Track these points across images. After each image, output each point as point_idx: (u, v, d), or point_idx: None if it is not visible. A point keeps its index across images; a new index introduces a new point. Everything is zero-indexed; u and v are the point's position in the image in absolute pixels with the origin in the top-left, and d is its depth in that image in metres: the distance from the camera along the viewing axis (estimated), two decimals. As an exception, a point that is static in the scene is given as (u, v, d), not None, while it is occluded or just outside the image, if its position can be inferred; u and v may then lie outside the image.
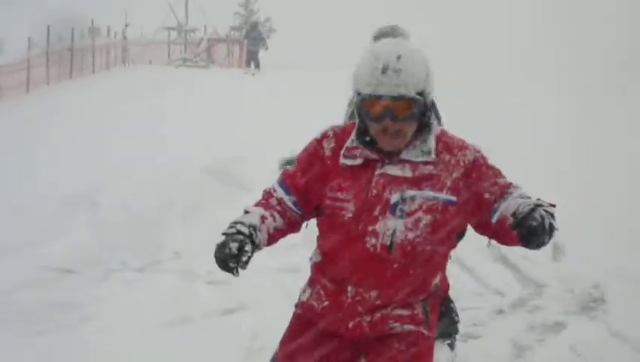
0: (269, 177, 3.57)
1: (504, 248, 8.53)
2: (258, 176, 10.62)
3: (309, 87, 24.48)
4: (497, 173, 3.26)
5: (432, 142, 3.21)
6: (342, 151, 3.27)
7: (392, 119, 3.07)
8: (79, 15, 32.71)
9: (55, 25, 30.30)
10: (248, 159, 12.43)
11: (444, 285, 3.56)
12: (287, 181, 3.41)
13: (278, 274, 7.55)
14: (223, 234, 3.12)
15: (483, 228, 3.25)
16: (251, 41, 32.51)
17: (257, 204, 3.39)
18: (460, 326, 5.95)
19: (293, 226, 3.44)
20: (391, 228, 3.16)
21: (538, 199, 2.98)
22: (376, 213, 3.17)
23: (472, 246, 8.63)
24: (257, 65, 31.72)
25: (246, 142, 14.05)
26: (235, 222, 3.16)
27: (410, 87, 3.03)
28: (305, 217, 3.45)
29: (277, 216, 3.35)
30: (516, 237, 2.86)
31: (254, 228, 3.17)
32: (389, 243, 3.16)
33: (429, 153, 3.20)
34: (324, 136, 3.39)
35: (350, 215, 3.21)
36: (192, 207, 10.20)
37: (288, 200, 3.39)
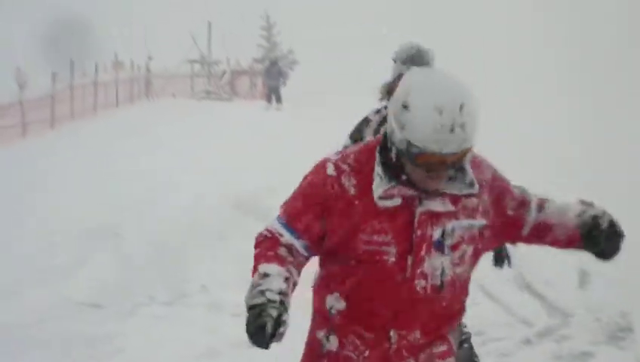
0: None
1: (529, 277, 8.53)
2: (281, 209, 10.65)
3: (333, 115, 24.52)
4: (509, 182, 3.18)
5: (470, 172, 2.98)
6: (377, 194, 2.93)
7: (447, 169, 2.86)
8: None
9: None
10: (272, 190, 12.45)
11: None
12: (296, 224, 3.03)
13: (304, 303, 7.55)
14: (252, 306, 2.79)
15: (514, 241, 3.25)
16: (271, 76, 32.57)
17: (268, 259, 2.97)
18: (488, 358, 5.93)
19: (301, 271, 3.08)
20: (438, 266, 2.99)
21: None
22: (422, 253, 2.95)
23: (498, 275, 8.68)
24: (279, 100, 31.79)
25: (269, 173, 14.09)
26: (262, 290, 2.82)
27: (473, 137, 2.80)
28: (309, 259, 3.12)
29: (292, 269, 2.98)
30: (579, 243, 3.09)
31: (284, 293, 2.84)
32: (439, 282, 3.00)
33: (471, 185, 2.97)
34: (340, 170, 3.00)
35: (393, 259, 2.95)
36: (217, 238, 10.26)
37: (299, 245, 3.03)
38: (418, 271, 2.97)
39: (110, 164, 15.78)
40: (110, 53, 36.97)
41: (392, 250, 2.95)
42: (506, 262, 5.48)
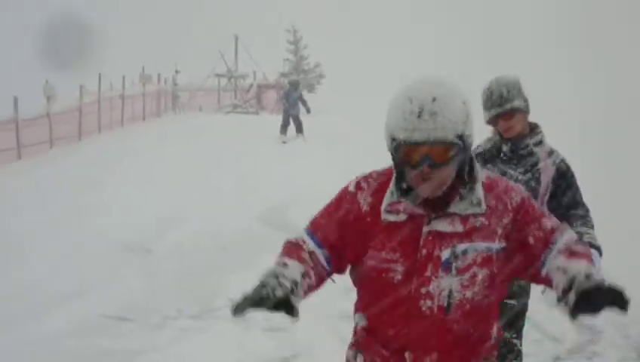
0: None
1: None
2: (308, 220, 10.70)
3: (358, 132, 24.60)
4: (542, 215, 3.08)
5: (480, 191, 2.97)
6: (383, 207, 3.00)
7: (429, 165, 2.82)
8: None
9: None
10: (298, 204, 12.52)
11: (500, 333, 3.25)
12: (318, 234, 3.12)
13: (332, 320, 7.55)
14: (261, 282, 2.83)
15: (535, 279, 3.08)
16: (291, 103, 26.63)
17: (290, 255, 3.05)
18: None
19: (320, 284, 3.11)
20: (446, 287, 2.95)
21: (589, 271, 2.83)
22: (428, 273, 2.94)
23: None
24: (299, 130, 26.55)
25: (295, 187, 14.17)
26: (276, 275, 2.85)
27: (448, 131, 2.79)
28: (331, 274, 3.15)
29: (311, 272, 3.02)
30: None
31: (296, 284, 2.88)
32: (446, 304, 2.96)
33: (478, 204, 2.96)
34: (359, 188, 3.10)
35: (399, 276, 2.97)
36: (245, 253, 10.28)
37: (320, 253, 3.08)
38: (423, 290, 2.96)
39: (138, 180, 15.91)
40: (138, 66, 37.19)
41: (399, 267, 2.98)
42: None
